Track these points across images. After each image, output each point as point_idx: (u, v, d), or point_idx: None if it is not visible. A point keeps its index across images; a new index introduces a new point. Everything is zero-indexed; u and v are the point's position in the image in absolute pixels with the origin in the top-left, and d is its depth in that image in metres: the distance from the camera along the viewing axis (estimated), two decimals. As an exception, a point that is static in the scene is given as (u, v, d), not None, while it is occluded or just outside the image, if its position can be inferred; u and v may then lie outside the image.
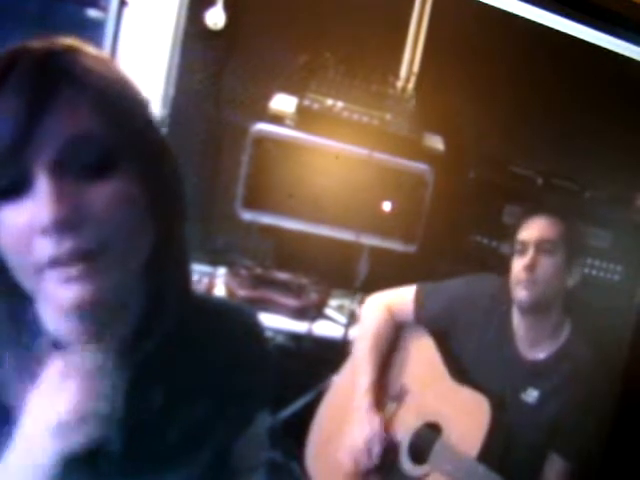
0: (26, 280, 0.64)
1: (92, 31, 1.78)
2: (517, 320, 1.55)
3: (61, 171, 0.61)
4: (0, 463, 0.60)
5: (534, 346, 1.51)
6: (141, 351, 0.71)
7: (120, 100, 0.67)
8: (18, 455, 0.60)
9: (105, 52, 0.70)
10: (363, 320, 1.67)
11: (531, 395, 1.47)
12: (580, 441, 1.45)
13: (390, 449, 1.59)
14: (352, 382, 1.64)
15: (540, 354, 1.51)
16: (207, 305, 0.84)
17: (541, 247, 1.51)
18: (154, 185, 0.68)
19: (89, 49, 0.68)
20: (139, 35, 1.82)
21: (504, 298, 1.55)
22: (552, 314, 1.52)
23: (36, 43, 0.66)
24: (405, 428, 1.59)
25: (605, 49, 1.73)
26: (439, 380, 1.56)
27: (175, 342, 0.73)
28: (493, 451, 1.45)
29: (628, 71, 1.75)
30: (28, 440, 0.59)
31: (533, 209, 1.55)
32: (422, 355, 1.61)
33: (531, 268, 1.49)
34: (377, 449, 1.58)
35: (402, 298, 1.63)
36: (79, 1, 1.77)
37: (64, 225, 0.60)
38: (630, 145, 1.98)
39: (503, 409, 1.48)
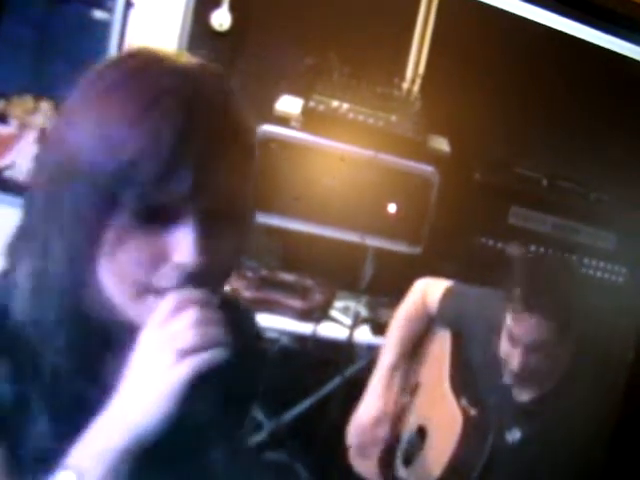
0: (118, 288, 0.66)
1: (98, 32, 1.79)
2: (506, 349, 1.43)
3: (208, 218, 0.64)
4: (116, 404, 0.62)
5: (524, 384, 1.43)
6: None
7: (255, 153, 0.70)
8: (145, 378, 0.61)
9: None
10: (405, 299, 1.65)
11: (514, 435, 1.42)
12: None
13: (393, 442, 1.59)
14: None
15: (528, 395, 1.43)
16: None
17: (532, 347, 1.37)
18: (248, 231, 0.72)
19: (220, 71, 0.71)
20: (145, 36, 1.82)
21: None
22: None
23: (194, 64, 0.68)
24: (408, 425, 1.60)
25: (611, 51, 1.73)
26: (440, 384, 1.54)
27: None
28: (454, 474, 1.41)
29: (634, 73, 1.75)
30: (155, 364, 0.61)
31: (525, 304, 1.36)
32: (437, 354, 1.60)
33: (522, 366, 1.37)
34: (383, 431, 1.57)
35: (435, 292, 1.60)
36: (85, 2, 1.77)
37: (198, 267, 0.64)
38: (635, 147, 1.98)
39: (478, 430, 1.43)
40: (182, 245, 0.64)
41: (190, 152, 0.62)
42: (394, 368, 1.61)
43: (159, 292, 0.65)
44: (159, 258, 0.64)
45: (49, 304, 0.66)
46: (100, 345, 0.68)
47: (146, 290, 0.65)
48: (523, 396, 1.44)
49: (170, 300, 0.63)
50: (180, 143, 0.62)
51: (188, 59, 0.69)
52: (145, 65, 0.67)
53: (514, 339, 1.39)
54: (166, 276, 0.65)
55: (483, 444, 1.42)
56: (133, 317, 0.66)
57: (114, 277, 0.66)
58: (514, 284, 1.40)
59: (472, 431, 1.44)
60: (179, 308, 0.63)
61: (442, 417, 1.51)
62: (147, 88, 0.64)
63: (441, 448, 1.46)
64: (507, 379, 1.42)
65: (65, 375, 0.66)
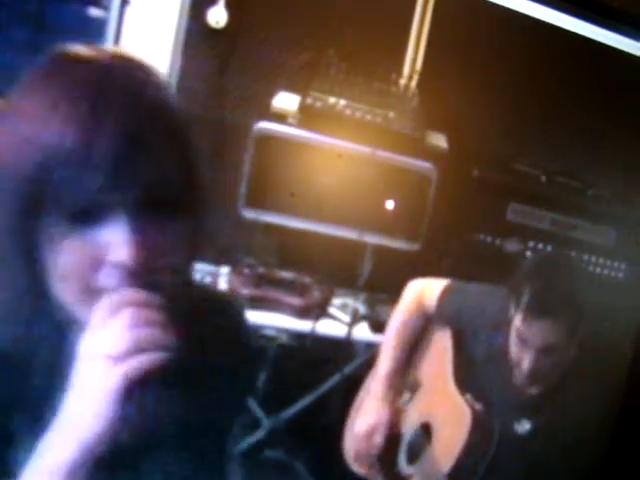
0: (69, 295, 0.65)
1: (94, 30, 1.79)
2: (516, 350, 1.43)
3: (141, 212, 0.62)
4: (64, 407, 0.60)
5: (530, 378, 1.42)
6: None
7: (188, 136, 0.68)
8: (82, 389, 0.60)
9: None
10: (400, 302, 1.64)
11: (523, 426, 1.42)
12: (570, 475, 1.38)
13: (394, 441, 1.58)
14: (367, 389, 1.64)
15: (537, 387, 1.43)
16: (197, 294, 0.84)
17: (544, 351, 1.37)
18: (198, 221, 0.69)
19: (146, 64, 0.68)
20: (141, 34, 1.82)
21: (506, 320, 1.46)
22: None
23: (108, 55, 0.66)
24: (409, 423, 1.59)
25: (609, 47, 1.73)
26: (443, 381, 1.54)
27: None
28: (463, 471, 1.41)
29: (633, 69, 1.75)
30: (89, 373, 0.60)
31: (537, 309, 1.36)
32: (438, 352, 1.59)
33: (534, 368, 1.38)
34: (378, 439, 1.57)
35: (433, 291, 1.59)
36: (81, 0, 1.77)
37: (137, 264, 0.62)
38: (634, 143, 1.98)
39: (485, 425, 1.43)
40: (116, 243, 0.62)
41: (105, 144, 0.60)
42: (392, 375, 1.60)
43: (104, 293, 0.63)
44: (97, 258, 0.62)
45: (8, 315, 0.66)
46: (57, 353, 0.66)
47: (91, 291, 0.63)
48: (531, 389, 1.44)
49: (106, 303, 0.61)
50: (92, 136, 0.60)
51: (106, 53, 0.66)
52: (56, 66, 0.65)
53: (526, 342, 1.37)
54: (107, 276, 0.62)
55: (490, 437, 1.42)
56: (83, 320, 0.64)
57: (59, 281, 0.64)
58: (523, 287, 1.39)
59: (479, 425, 1.44)
60: (115, 311, 0.60)
61: (448, 413, 1.50)
62: (55, 86, 0.62)
63: (449, 443, 1.46)
64: (517, 379, 1.42)
65: (28, 384, 0.65)
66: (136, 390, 0.59)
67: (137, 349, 0.59)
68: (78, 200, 0.61)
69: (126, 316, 0.60)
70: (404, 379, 1.62)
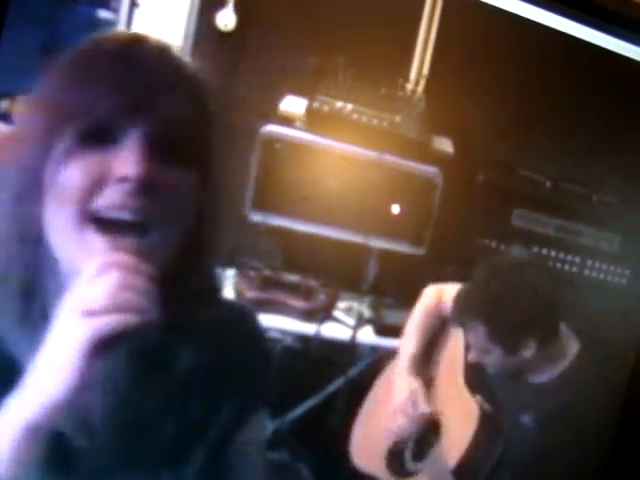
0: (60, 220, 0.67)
1: (103, 32, 1.79)
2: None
3: (153, 142, 0.65)
4: (40, 353, 0.61)
5: (533, 371, 1.48)
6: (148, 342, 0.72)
7: (207, 102, 0.73)
8: (52, 343, 0.61)
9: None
10: (418, 303, 1.67)
11: (529, 417, 1.45)
12: (573, 472, 1.40)
13: (401, 438, 1.60)
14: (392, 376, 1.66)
15: (540, 377, 1.48)
16: (212, 302, 0.85)
17: (476, 351, 1.49)
18: (208, 193, 0.71)
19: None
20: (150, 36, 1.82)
21: None
22: (533, 358, 1.46)
23: (147, 36, 0.72)
24: (418, 421, 1.60)
25: (615, 53, 1.73)
26: (454, 381, 1.56)
27: (177, 337, 0.73)
28: (469, 469, 1.44)
29: (638, 75, 1.75)
30: (62, 327, 0.60)
31: (458, 313, 1.50)
32: (451, 352, 1.62)
33: (478, 362, 1.49)
34: (421, 403, 1.57)
35: (449, 293, 1.61)
36: (91, 2, 1.78)
37: (140, 185, 0.64)
38: (639, 149, 1.98)
39: (493, 425, 1.46)
40: (127, 159, 0.64)
41: (131, 84, 0.65)
42: (415, 356, 1.62)
43: (99, 222, 0.64)
44: (103, 176, 0.64)
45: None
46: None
47: (86, 219, 0.64)
48: (538, 377, 1.48)
49: (94, 263, 0.62)
50: (120, 79, 0.66)
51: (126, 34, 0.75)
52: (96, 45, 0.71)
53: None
54: (109, 196, 0.64)
55: (498, 437, 1.45)
56: (71, 260, 0.66)
57: (56, 208, 0.65)
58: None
59: (486, 424, 1.46)
60: (101, 271, 0.61)
61: (457, 411, 1.52)
62: (94, 57, 0.69)
63: (457, 441, 1.48)
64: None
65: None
66: (104, 350, 0.59)
67: (113, 309, 0.59)
68: (97, 116, 0.64)
69: (110, 278, 0.60)
70: (423, 369, 1.63)
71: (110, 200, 0.64)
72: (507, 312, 1.43)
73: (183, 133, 0.68)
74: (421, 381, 1.60)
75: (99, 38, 0.71)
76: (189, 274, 0.73)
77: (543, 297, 1.46)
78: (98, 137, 0.65)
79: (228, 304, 0.97)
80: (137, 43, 0.70)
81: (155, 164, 0.65)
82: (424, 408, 1.57)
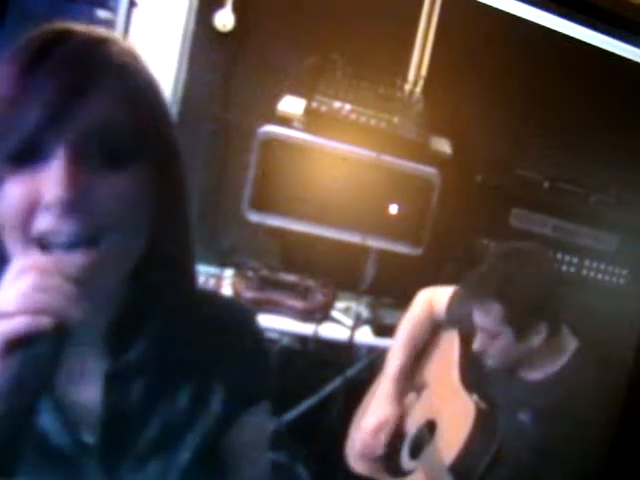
0: (10, 242, 0.66)
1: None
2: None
3: (79, 154, 0.63)
4: None
5: (531, 367, 1.48)
6: (124, 353, 0.73)
7: (146, 98, 0.70)
8: None
9: (136, 47, 0.72)
10: (410, 308, 1.68)
11: (526, 415, 1.45)
12: (569, 472, 1.40)
13: (398, 438, 1.61)
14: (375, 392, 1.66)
15: (538, 374, 1.48)
16: (206, 300, 0.85)
17: (485, 333, 1.46)
18: (162, 188, 0.70)
19: (123, 42, 0.70)
20: (148, 36, 1.82)
21: None
22: (537, 349, 1.46)
23: (78, 27, 0.68)
24: (414, 421, 1.61)
25: (613, 54, 1.73)
26: (449, 382, 1.57)
27: (166, 337, 0.74)
28: (465, 464, 1.44)
29: (636, 76, 1.75)
30: None
31: (470, 294, 1.49)
32: (445, 354, 1.62)
33: (483, 350, 1.48)
34: (383, 437, 1.60)
35: (442, 296, 1.63)
36: (89, 2, 1.77)
37: (69, 206, 0.62)
38: (637, 149, 1.98)
39: (489, 423, 1.46)
40: (53, 181, 0.62)
41: (46, 87, 0.62)
42: (401, 374, 1.63)
43: (41, 243, 0.63)
44: (35, 200, 0.63)
45: None
46: None
47: (29, 241, 0.63)
48: (535, 374, 1.48)
49: (15, 265, 0.62)
50: (33, 81, 0.63)
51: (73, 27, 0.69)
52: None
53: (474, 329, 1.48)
54: (42, 222, 0.63)
55: (494, 433, 1.45)
56: None
57: (4, 230, 0.65)
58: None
59: (482, 421, 1.46)
60: (19, 274, 0.61)
61: (453, 410, 1.53)
62: (10, 68, 0.65)
63: (453, 438, 1.48)
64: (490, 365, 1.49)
65: None
66: (15, 351, 0.58)
67: (26, 311, 0.59)
68: (20, 134, 0.62)
69: (26, 279, 0.60)
70: (411, 380, 1.64)
71: (44, 226, 0.63)
72: (524, 291, 1.43)
73: (114, 136, 0.65)
74: (397, 408, 1.61)
75: (20, 43, 0.67)
76: (159, 272, 0.72)
77: (555, 283, 1.48)
78: (26, 156, 0.63)
79: (223, 301, 0.97)
80: (57, 43, 0.66)
81: (86, 176, 0.63)
82: (383, 440, 1.60)
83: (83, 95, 0.63)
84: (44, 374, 0.60)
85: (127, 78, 0.67)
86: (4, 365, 0.58)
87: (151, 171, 0.68)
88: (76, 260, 0.63)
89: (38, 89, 0.63)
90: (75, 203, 0.62)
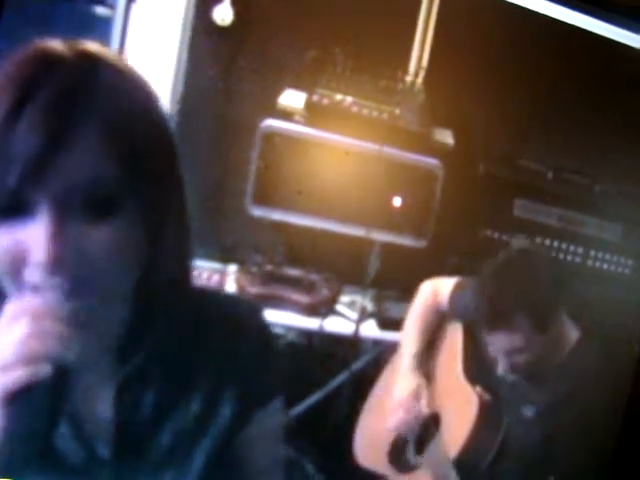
0: (4, 282, 0.65)
1: (100, 28, 1.78)
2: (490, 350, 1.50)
3: (65, 209, 0.61)
4: None
5: (511, 372, 1.46)
6: (130, 363, 0.72)
7: (139, 129, 0.65)
8: None
9: (126, 58, 0.68)
10: (415, 299, 1.67)
11: (530, 409, 1.45)
12: (575, 465, 1.39)
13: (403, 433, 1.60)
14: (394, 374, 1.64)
15: (540, 366, 1.45)
16: (210, 301, 0.84)
17: (511, 352, 1.42)
18: (157, 222, 0.68)
19: (116, 60, 0.66)
20: (147, 32, 1.82)
21: None
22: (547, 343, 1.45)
23: (64, 51, 0.64)
24: (419, 414, 1.60)
25: (617, 42, 1.72)
26: (453, 374, 1.56)
27: (173, 342, 0.74)
28: (470, 458, 1.44)
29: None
30: None
31: (490, 320, 1.43)
32: (449, 346, 1.62)
33: (509, 369, 1.44)
34: (423, 401, 1.57)
35: (446, 287, 1.62)
36: (87, -1, 1.77)
37: (57, 263, 0.60)
38: (641, 138, 1.98)
39: (493, 415, 1.46)
40: (38, 240, 0.60)
41: (28, 138, 0.59)
42: (418, 352, 1.61)
43: (34, 289, 0.61)
44: (23, 256, 0.61)
45: None
46: None
47: (22, 285, 0.62)
48: (539, 367, 1.46)
49: (7, 310, 0.60)
50: (14, 131, 0.59)
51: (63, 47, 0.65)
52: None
53: (493, 347, 1.44)
54: (31, 276, 0.61)
55: (498, 426, 1.45)
56: None
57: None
58: (478, 297, 1.47)
59: (486, 414, 1.46)
60: (11, 320, 0.59)
61: (457, 403, 1.52)
62: None
63: (457, 431, 1.48)
64: (503, 374, 1.46)
65: None
66: (19, 401, 0.58)
67: (24, 360, 0.57)
68: (1, 193, 0.60)
69: (20, 326, 0.59)
70: (426, 367, 1.63)
71: (32, 280, 0.61)
72: (540, 292, 1.42)
73: (101, 188, 0.62)
74: (424, 379, 1.60)
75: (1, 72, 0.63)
76: (159, 281, 0.71)
77: (561, 274, 1.51)
78: (11, 211, 0.61)
79: (228, 299, 0.96)
80: (40, 80, 0.61)
81: (74, 230, 0.61)
82: (425, 406, 1.57)
83: (68, 147, 0.60)
84: (50, 415, 0.60)
85: (117, 113, 0.63)
86: (8, 413, 0.57)
87: (143, 210, 0.66)
88: (69, 303, 0.61)
89: (19, 142, 0.59)
90: (63, 260, 0.60)
